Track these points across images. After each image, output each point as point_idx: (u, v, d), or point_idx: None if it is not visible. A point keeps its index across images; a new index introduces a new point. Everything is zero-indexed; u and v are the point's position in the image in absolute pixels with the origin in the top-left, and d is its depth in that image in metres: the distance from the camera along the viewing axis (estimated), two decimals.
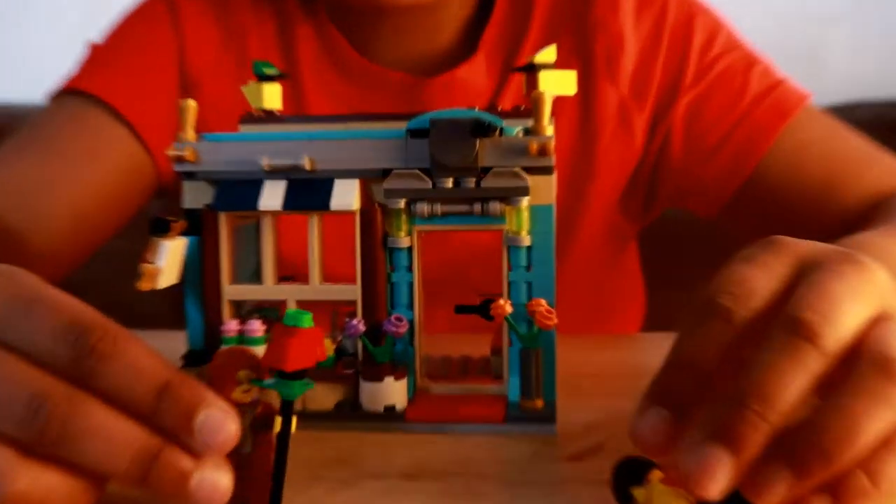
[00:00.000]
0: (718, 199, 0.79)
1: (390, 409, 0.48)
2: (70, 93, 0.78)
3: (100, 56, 0.81)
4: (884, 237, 0.56)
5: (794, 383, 0.32)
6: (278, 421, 0.37)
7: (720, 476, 0.32)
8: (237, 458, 0.36)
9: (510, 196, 0.47)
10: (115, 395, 0.34)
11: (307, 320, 0.36)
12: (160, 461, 0.34)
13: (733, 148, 0.77)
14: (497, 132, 0.47)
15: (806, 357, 0.33)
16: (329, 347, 0.48)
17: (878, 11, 1.82)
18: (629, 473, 0.36)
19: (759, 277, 0.36)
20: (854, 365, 0.33)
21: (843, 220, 0.73)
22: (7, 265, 0.37)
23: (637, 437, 0.34)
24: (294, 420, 0.37)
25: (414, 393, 0.50)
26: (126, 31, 0.82)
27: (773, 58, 0.84)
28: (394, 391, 0.48)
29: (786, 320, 0.33)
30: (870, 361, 0.33)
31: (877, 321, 0.34)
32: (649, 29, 0.80)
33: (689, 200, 0.82)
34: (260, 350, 0.50)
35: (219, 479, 0.34)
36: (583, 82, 0.79)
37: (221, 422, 0.34)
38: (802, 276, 0.36)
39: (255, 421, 0.37)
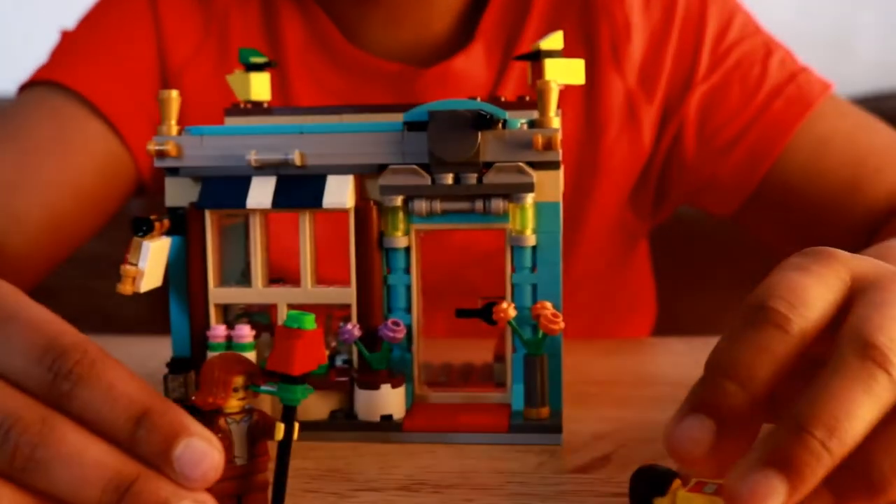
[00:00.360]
0: (735, 197, 0.78)
1: (387, 419, 0.48)
2: (42, 83, 0.78)
3: (73, 44, 0.80)
4: None
5: (864, 414, 0.31)
6: (280, 428, 0.37)
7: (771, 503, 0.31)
8: (232, 470, 0.36)
9: (514, 193, 0.47)
10: (92, 421, 0.33)
11: (310, 321, 0.36)
12: (133, 491, 0.33)
13: (750, 143, 0.76)
14: (500, 125, 0.47)
15: (878, 386, 0.31)
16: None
17: None
18: (650, 483, 0.35)
19: (815, 287, 0.34)
20: None
21: (867, 219, 0.72)
22: None
23: (673, 445, 0.32)
24: (297, 426, 0.37)
25: (412, 401, 0.50)
26: (101, 18, 0.81)
27: (796, 44, 0.83)
28: (391, 399, 0.48)
29: (857, 342, 0.32)
30: None
31: None
32: (659, 15, 0.79)
33: (702, 198, 0.81)
34: (250, 356, 0.50)
35: None
36: (587, 72, 0.79)
37: (203, 452, 0.33)
38: (860, 294, 0.35)
39: (252, 429, 0.37)
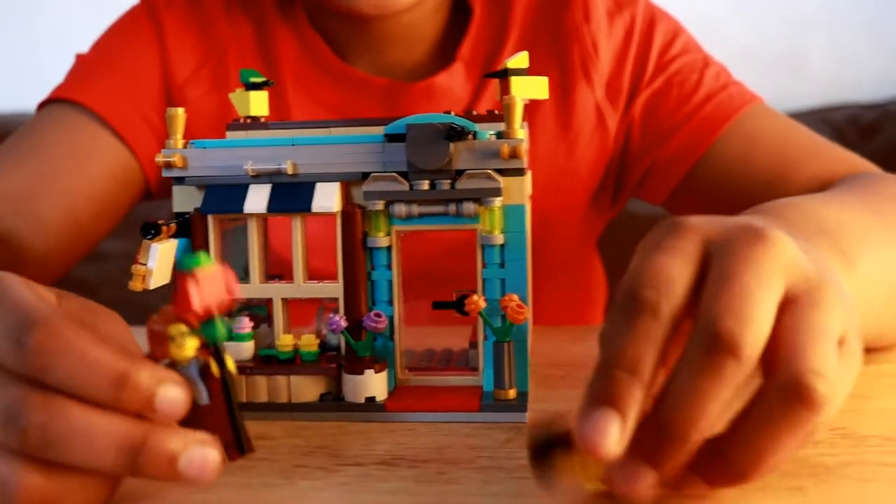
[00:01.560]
0: (666, 184, 0.80)
1: (371, 400, 0.49)
2: (59, 102, 0.79)
3: (87, 67, 0.82)
4: (809, 199, 0.54)
5: (718, 400, 0.33)
6: (213, 364, 0.36)
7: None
8: (196, 411, 0.36)
9: (483, 197, 0.48)
10: (74, 391, 0.33)
11: (203, 259, 0.35)
12: (146, 448, 0.34)
13: (684, 136, 0.79)
14: (470, 136, 0.48)
15: (729, 372, 0.33)
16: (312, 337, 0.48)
17: (854, 17, 1.82)
18: (545, 439, 0.36)
19: (675, 264, 0.35)
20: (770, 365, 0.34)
21: None
22: None
23: (586, 441, 0.33)
24: (230, 360, 0.36)
25: (394, 384, 0.51)
26: (111, 44, 0.83)
27: (754, 64, 0.85)
28: (374, 383, 0.49)
29: (705, 332, 0.33)
30: (784, 378, 0.33)
31: (783, 310, 0.34)
32: (621, 35, 0.82)
33: (642, 187, 0.83)
34: (249, 346, 0.51)
35: (206, 454, 0.34)
36: (561, 86, 0.81)
37: (177, 397, 0.34)
38: (713, 262, 0.35)
39: (202, 372, 0.36)
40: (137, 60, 0.81)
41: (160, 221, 0.49)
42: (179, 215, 0.51)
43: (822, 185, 0.71)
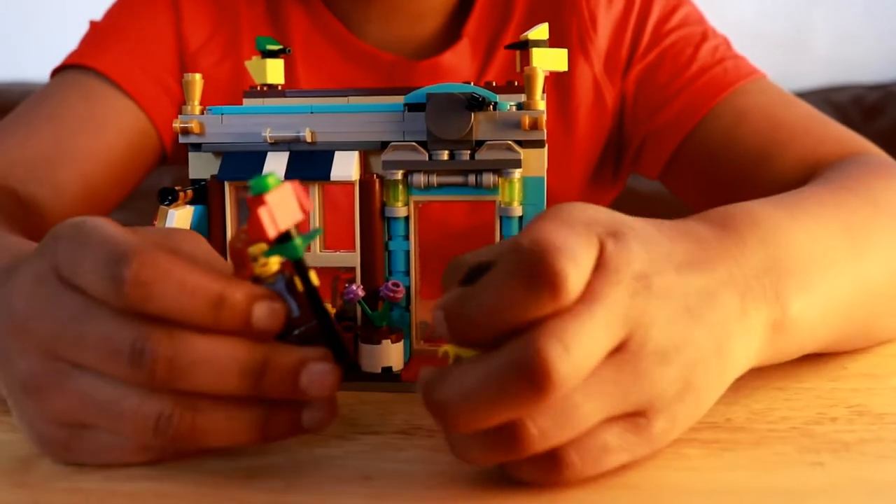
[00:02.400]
0: (659, 157, 0.79)
1: (387, 370, 0.48)
2: (73, 68, 0.78)
3: (101, 33, 0.81)
4: (779, 211, 0.48)
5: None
6: (297, 281, 0.37)
7: None
8: (289, 326, 0.37)
9: (503, 168, 0.47)
10: (175, 317, 0.34)
11: (271, 182, 0.35)
12: (269, 369, 0.35)
13: (675, 109, 0.78)
14: (491, 107, 0.47)
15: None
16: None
17: None
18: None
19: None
20: None
21: (778, 186, 0.70)
22: (81, 217, 0.38)
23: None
24: (313, 274, 0.37)
25: (410, 355, 0.50)
26: (126, 10, 0.82)
27: (756, 44, 0.84)
28: (391, 353, 0.48)
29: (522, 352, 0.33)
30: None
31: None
32: (620, 10, 0.81)
33: (638, 160, 0.82)
34: None
35: (325, 368, 0.36)
36: None
37: (274, 310, 0.35)
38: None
39: (288, 286, 0.37)
40: (152, 27, 0.81)
41: (177, 187, 0.48)
42: (195, 182, 0.50)
43: (810, 168, 0.68)
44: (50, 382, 0.36)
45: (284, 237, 0.36)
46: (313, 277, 0.37)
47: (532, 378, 0.32)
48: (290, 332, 0.37)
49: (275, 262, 0.37)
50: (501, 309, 0.33)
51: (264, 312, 0.35)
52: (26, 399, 0.37)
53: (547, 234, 0.34)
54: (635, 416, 0.36)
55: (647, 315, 0.35)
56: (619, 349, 0.35)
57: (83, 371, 0.36)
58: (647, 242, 0.37)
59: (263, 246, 0.36)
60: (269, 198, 0.35)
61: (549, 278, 0.33)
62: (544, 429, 0.33)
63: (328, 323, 0.37)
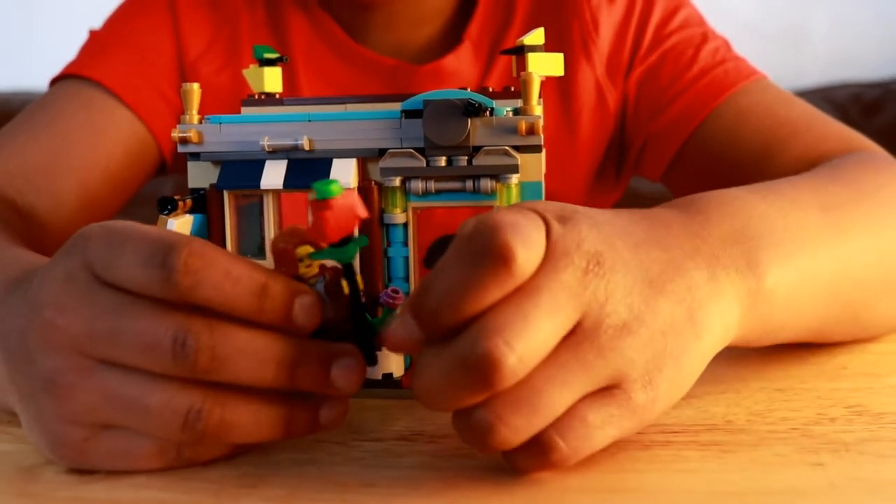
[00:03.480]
0: (661, 159, 0.80)
1: (388, 377, 0.48)
2: (73, 77, 0.78)
3: (100, 43, 0.81)
4: (754, 195, 0.49)
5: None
6: (344, 284, 0.38)
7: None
8: (323, 326, 0.38)
9: (501, 174, 0.47)
10: (219, 305, 0.35)
11: (335, 189, 0.36)
12: (303, 361, 0.36)
13: (676, 111, 0.78)
14: (488, 112, 0.48)
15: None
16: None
17: None
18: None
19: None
20: None
21: None
22: (104, 222, 0.39)
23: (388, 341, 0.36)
24: (360, 279, 0.38)
25: (411, 361, 0.51)
26: (125, 19, 0.83)
27: (755, 41, 0.84)
28: (391, 359, 0.48)
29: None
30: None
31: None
32: (621, 11, 0.82)
33: (640, 162, 0.83)
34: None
35: (353, 363, 0.37)
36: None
37: (313, 305, 0.36)
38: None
39: (328, 288, 0.38)
40: (151, 35, 0.81)
41: (176, 197, 0.49)
42: (195, 191, 0.50)
43: (811, 164, 0.68)
44: (74, 379, 0.36)
45: (343, 241, 0.37)
46: (359, 280, 0.39)
47: (480, 374, 0.33)
48: (322, 332, 0.38)
49: (317, 265, 0.38)
50: (455, 295, 0.34)
51: (305, 306, 0.36)
52: (47, 397, 0.37)
53: (495, 215, 0.35)
54: (611, 389, 0.36)
55: (600, 291, 0.36)
56: (574, 330, 0.35)
57: (111, 367, 0.36)
58: (598, 224, 0.38)
59: (309, 248, 0.38)
60: (334, 203, 0.36)
61: (498, 252, 0.33)
62: (513, 425, 0.34)
63: (364, 326, 0.39)
